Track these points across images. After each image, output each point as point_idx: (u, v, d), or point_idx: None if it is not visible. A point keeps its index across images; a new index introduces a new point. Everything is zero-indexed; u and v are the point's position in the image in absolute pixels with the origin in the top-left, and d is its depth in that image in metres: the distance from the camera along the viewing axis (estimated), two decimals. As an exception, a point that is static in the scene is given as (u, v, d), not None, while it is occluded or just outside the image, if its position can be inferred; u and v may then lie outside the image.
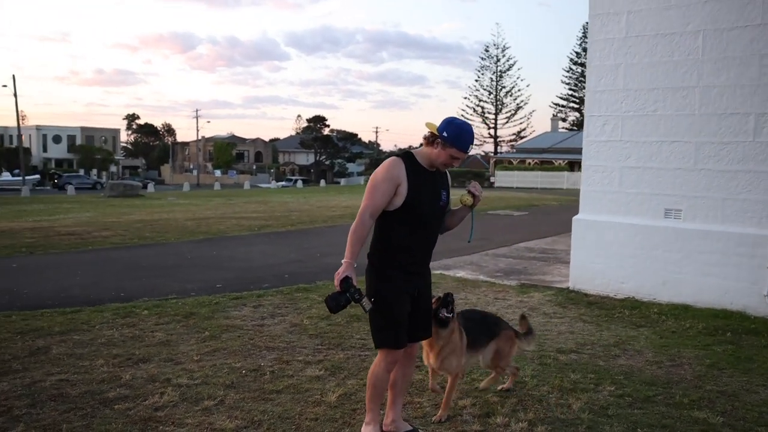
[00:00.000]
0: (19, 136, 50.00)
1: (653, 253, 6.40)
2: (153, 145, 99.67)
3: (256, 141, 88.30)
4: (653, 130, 6.38)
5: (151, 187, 46.60)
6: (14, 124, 57.80)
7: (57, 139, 68.27)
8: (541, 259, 9.38)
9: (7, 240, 11.64)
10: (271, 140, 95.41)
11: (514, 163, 50.76)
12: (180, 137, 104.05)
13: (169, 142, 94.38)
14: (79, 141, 68.83)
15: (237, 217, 17.41)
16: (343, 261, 2.90)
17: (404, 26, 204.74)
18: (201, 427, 3.34)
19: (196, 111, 68.00)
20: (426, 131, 3.05)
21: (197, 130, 69.86)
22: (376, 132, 79.35)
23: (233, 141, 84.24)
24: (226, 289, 7.19)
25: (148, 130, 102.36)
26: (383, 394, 3.20)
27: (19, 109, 48.39)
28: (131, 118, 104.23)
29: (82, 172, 60.49)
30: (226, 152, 79.43)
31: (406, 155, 3.04)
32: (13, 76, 49.51)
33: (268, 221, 15.99)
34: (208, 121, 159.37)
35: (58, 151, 68.00)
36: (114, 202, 28.69)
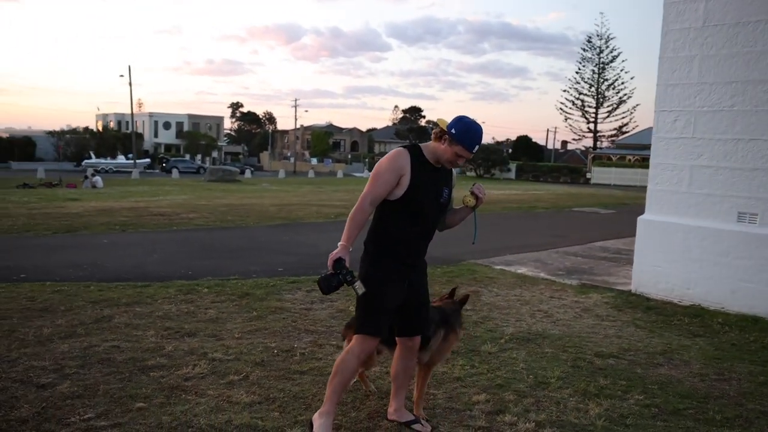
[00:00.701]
0: (133, 122, 53.90)
1: (723, 259, 6.00)
2: (255, 132, 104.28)
3: (353, 131, 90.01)
4: (729, 127, 5.96)
5: (248, 173, 48.85)
6: (128, 111, 62.63)
7: (167, 126, 73.03)
8: (612, 260, 9.00)
9: (106, 218, 12.69)
10: (368, 130, 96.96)
11: (614, 159, 48.54)
12: (280, 125, 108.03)
13: (270, 130, 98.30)
14: (186, 127, 73.23)
15: (319, 205, 17.94)
16: (339, 244, 2.94)
17: (507, 17, 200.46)
18: (219, 399, 3.56)
19: (295, 100, 70.35)
20: (439, 127, 3.07)
21: (295, 119, 72.19)
22: (472, 124, 77.91)
23: (330, 130, 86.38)
24: (286, 272, 7.49)
25: (250, 118, 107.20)
26: (346, 385, 3.17)
27: (137, 98, 52.23)
28: (235, 106, 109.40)
29: (187, 157, 64.27)
30: (323, 141, 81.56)
31: (413, 147, 3.07)
32: (129, 66, 53.54)
33: (347, 210, 16.31)
34: (306, 110, 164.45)
35: (167, 137, 72.72)
36: (211, 186, 30.36)
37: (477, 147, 3.02)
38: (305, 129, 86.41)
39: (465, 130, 2.97)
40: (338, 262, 2.91)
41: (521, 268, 8.17)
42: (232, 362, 4.21)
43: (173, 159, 57.44)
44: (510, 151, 68.12)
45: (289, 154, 78.27)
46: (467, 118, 3.02)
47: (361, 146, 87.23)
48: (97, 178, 28.69)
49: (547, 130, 74.52)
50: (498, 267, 8.23)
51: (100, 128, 70.89)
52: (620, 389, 3.94)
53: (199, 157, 67.09)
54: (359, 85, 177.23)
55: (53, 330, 4.84)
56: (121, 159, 55.43)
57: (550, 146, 79.37)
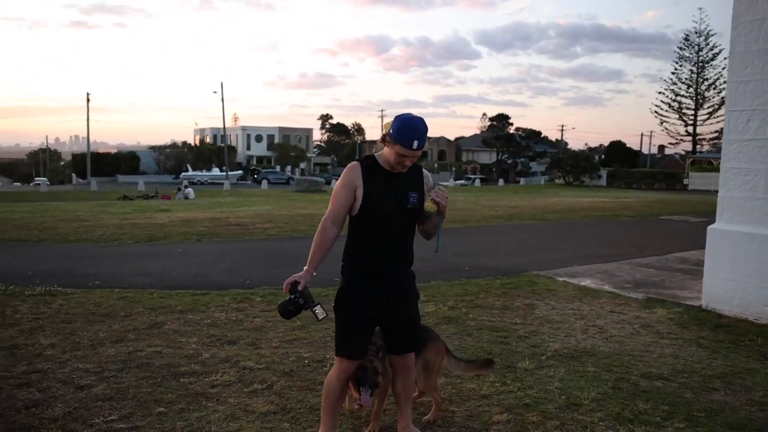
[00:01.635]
0: (226, 136, 56.69)
1: (804, 273, 5.43)
2: (343, 143, 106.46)
3: (440, 139, 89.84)
4: (810, 128, 5.41)
5: (334, 183, 49.91)
6: (228, 125, 65.93)
7: (259, 138, 76.14)
8: (689, 272, 8.39)
9: (186, 228, 13.37)
10: (456, 139, 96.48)
11: (714, 163, 45.43)
12: (369, 136, 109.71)
13: (358, 141, 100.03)
14: (277, 140, 75.99)
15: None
16: (303, 268, 2.90)
17: (601, 18, 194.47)
18: (237, 407, 3.63)
19: (381, 111, 71.01)
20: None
21: (382, 129, 72.93)
22: (562, 130, 75.99)
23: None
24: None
25: (339, 129, 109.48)
26: (335, 405, 3.10)
27: (233, 112, 54.96)
28: (325, 118, 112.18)
29: (278, 168, 66.64)
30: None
31: (366, 158, 2.98)
32: (221, 83, 56.41)
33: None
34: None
35: (259, 149, 75.79)
36: (296, 197, 31.26)
37: (417, 143, 2.80)
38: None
39: (399, 127, 2.81)
40: (293, 285, 2.87)
41: (585, 280, 7.79)
42: (261, 371, 4.28)
43: (264, 170, 59.74)
44: (602, 157, 65.47)
45: (375, 164, 79.26)
46: (405, 114, 2.87)
47: (448, 155, 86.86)
48: (189, 190, 30.31)
49: (641, 134, 70.60)
50: (561, 279, 7.90)
51: (197, 142, 74.97)
52: (660, 415, 3.64)
53: (288, 168, 69.39)
54: (448, 93, 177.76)
55: (107, 335, 5.13)
56: (215, 171, 58.36)
57: (645, 151, 75.60)
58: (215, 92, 55.44)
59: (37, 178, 56.61)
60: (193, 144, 73.56)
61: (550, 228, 14.91)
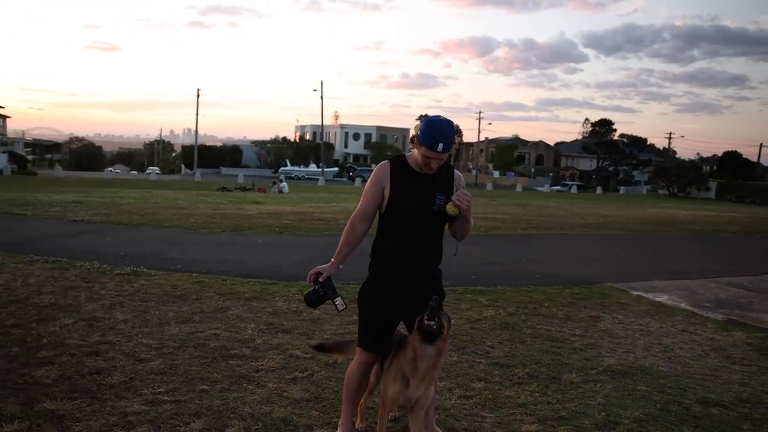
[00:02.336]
0: (323, 133, 58.35)
1: None
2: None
3: (538, 144, 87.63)
4: None
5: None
6: (328, 122, 67.81)
7: (356, 137, 77.67)
8: (784, 296, 7.73)
9: (272, 220, 13.93)
10: (556, 144, 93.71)
11: None
12: (467, 138, 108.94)
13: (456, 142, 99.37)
14: (374, 138, 77.17)
15: (479, 218, 17.80)
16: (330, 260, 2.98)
17: (723, 19, 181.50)
18: (274, 392, 3.79)
19: (479, 113, 70.20)
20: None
21: (479, 132, 72.47)
22: (669, 138, 71.61)
23: (515, 143, 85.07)
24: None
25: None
26: (353, 395, 3.14)
27: (334, 110, 56.63)
28: (422, 118, 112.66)
29: (373, 166, 67.65)
30: (508, 154, 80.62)
31: (396, 158, 3.00)
32: (321, 81, 57.71)
33: (504, 223, 16.03)
34: (490, 123, 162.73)
35: (356, 147, 77.29)
36: (386, 195, 31.68)
37: (442, 146, 2.79)
38: (490, 142, 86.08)
39: (426, 129, 2.81)
40: (316, 276, 2.97)
41: (662, 296, 7.38)
42: (306, 360, 4.43)
43: (360, 168, 60.83)
44: (714, 168, 61.22)
45: (471, 167, 78.56)
46: (433, 117, 2.86)
47: (546, 160, 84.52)
48: (284, 184, 31.47)
49: (760, 144, 64.87)
50: (635, 293, 7.54)
51: (297, 138, 77.56)
52: (705, 442, 3.43)
53: (383, 166, 70.24)
54: (552, 97, 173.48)
55: (176, 315, 5.50)
56: (312, 167, 60.13)
57: (765, 163, 69.77)
58: (315, 90, 56.71)
59: (150, 168, 60.86)
60: (293, 140, 76.20)
61: (638, 240, 14.20)
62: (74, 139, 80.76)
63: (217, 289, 6.63)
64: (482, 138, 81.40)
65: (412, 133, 2.98)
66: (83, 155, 67.04)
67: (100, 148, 78.28)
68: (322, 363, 4.38)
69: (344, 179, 57.91)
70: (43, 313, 5.30)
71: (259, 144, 70.06)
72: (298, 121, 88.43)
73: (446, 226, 3.08)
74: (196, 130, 58.74)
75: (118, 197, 20.26)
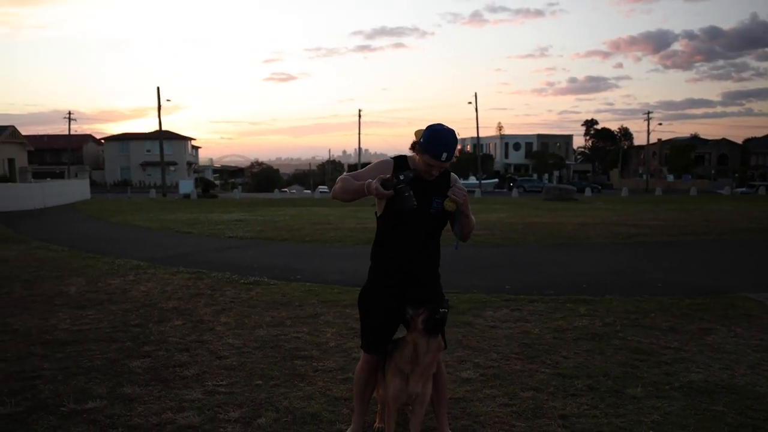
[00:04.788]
0: (479, 145, 58.29)
1: None
2: (609, 149, 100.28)
3: (720, 142, 79.16)
4: None
5: (588, 191, 47.62)
6: (489, 134, 67.66)
7: (516, 147, 76.28)
8: None
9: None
10: (745, 141, 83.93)
11: None
12: (638, 140, 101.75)
13: (625, 146, 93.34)
14: (535, 148, 75.18)
15: (629, 224, 16.67)
16: (365, 188, 2.87)
17: None
18: (319, 390, 4.02)
19: (648, 114, 64.88)
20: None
21: (648, 133, 67.22)
22: None
23: (693, 143, 77.78)
24: (512, 290, 7.47)
25: (604, 134, 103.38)
26: (361, 393, 3.24)
27: (498, 121, 56.44)
28: (589, 123, 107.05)
29: (535, 176, 65.90)
30: (683, 156, 74.02)
31: (399, 158, 3.05)
32: (475, 94, 57.24)
33: (653, 230, 14.84)
34: (660, 124, 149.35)
35: (517, 157, 75.89)
36: (541, 205, 30.78)
37: (446, 155, 2.83)
38: (663, 143, 79.65)
39: (429, 138, 2.84)
40: (386, 181, 2.82)
41: (800, 308, 6.43)
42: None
43: (520, 179, 59.73)
44: None
45: (641, 171, 73.20)
46: (437, 125, 2.88)
47: (731, 159, 75.98)
48: (437, 197, 31.94)
49: None
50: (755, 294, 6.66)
51: (458, 152, 78.10)
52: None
53: (546, 176, 68.16)
54: (742, 89, 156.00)
55: (271, 320, 6.00)
56: (471, 179, 60.17)
57: None
58: (470, 103, 56.74)
59: (319, 187, 65.07)
60: (453, 153, 76.97)
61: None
62: (255, 164, 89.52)
63: (321, 297, 7.07)
64: (654, 140, 75.50)
65: (414, 140, 3.06)
66: (262, 178, 73.78)
67: (277, 171, 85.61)
68: (379, 366, 4.54)
69: (505, 190, 57.10)
70: (163, 316, 6.11)
71: (419, 159, 71.68)
72: (458, 134, 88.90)
73: (449, 227, 3.14)
74: (359, 149, 61.80)
75: (277, 215, 22.13)
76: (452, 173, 3.13)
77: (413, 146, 3.02)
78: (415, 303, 3.00)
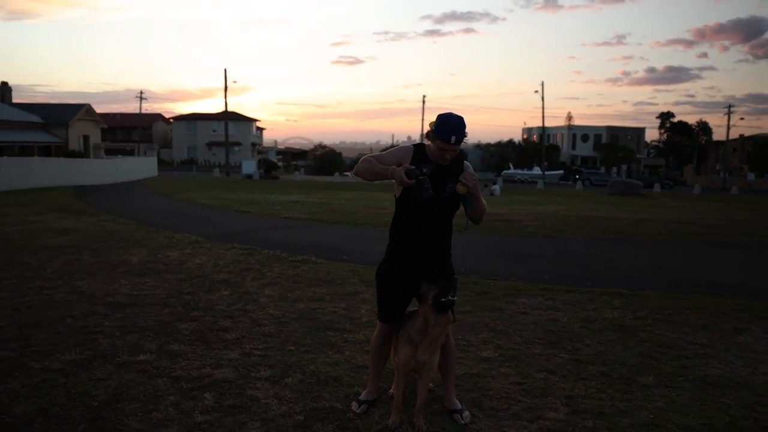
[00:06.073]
0: (544, 135, 57.33)
1: None
2: (685, 144, 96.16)
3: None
4: None
5: (657, 187, 46.14)
6: (560, 124, 66.47)
7: (584, 138, 74.39)
8: None
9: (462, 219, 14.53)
10: None
11: None
12: (718, 136, 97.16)
13: (703, 141, 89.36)
14: (604, 140, 73.11)
15: (690, 222, 16.29)
16: (389, 173, 3.20)
17: None
18: (344, 358, 4.42)
19: (728, 107, 61.87)
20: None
21: (728, 128, 64.13)
22: None
23: (781, 139, 73.57)
24: (551, 281, 7.62)
25: (680, 128, 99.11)
26: (376, 358, 3.60)
27: (568, 111, 55.32)
28: (665, 116, 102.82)
29: (602, 169, 64.22)
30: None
31: (418, 146, 3.38)
32: (542, 82, 56.15)
33: (717, 229, 14.47)
34: (742, 118, 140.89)
35: (584, 149, 74.05)
36: (603, 199, 30.20)
37: (455, 138, 3.15)
38: (746, 140, 75.77)
39: (439, 124, 3.18)
40: (409, 171, 3.13)
41: None
42: (392, 338, 4.98)
43: (587, 171, 58.33)
44: None
45: (718, 168, 70.03)
46: (446, 113, 3.22)
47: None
48: (496, 187, 31.93)
49: None
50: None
51: (524, 141, 76.93)
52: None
53: (615, 169, 66.35)
54: None
55: (313, 294, 6.45)
56: (536, 170, 59.32)
57: None
58: (536, 92, 55.77)
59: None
60: (517, 142, 75.87)
61: None
62: (318, 147, 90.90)
63: (363, 277, 7.47)
64: (736, 136, 71.99)
65: (427, 129, 3.40)
66: (325, 161, 74.91)
67: (340, 154, 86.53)
68: (405, 342, 4.90)
69: (570, 183, 55.99)
70: (213, 286, 6.66)
71: (483, 147, 71.16)
72: (525, 123, 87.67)
73: (461, 211, 3.46)
74: (422, 134, 61.81)
75: (334, 198, 22.74)
76: (465, 161, 3.44)
77: (427, 135, 3.35)
78: (429, 279, 3.33)
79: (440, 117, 3.26)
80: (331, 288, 6.82)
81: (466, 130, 3.25)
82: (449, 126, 3.20)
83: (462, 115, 3.29)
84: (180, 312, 5.57)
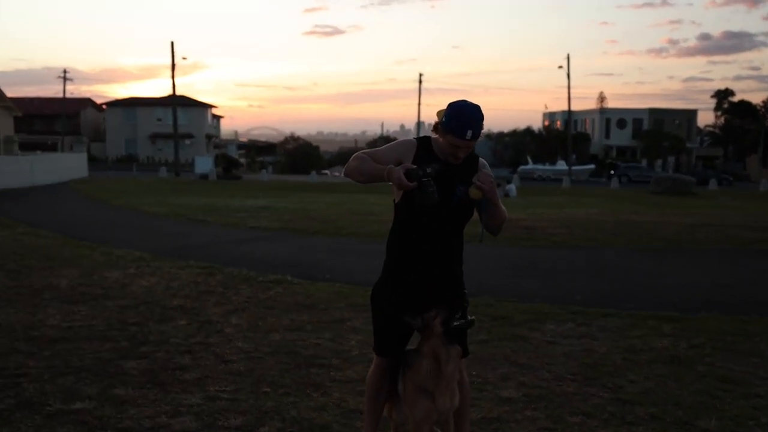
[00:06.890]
0: (570, 121, 57.68)
1: None
2: (748, 129, 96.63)
3: None
4: None
5: (713, 184, 46.54)
6: (581, 108, 66.94)
7: (621, 124, 74.84)
8: None
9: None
10: None
11: None
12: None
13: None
14: (645, 125, 73.65)
15: (757, 227, 16.50)
16: (386, 173, 3.19)
17: None
18: (332, 401, 4.47)
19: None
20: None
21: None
22: None
23: None
24: (579, 302, 7.72)
25: (742, 109, 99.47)
26: (373, 400, 3.61)
27: (600, 91, 55.54)
28: (722, 95, 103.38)
29: (644, 162, 64.68)
30: None
31: (423, 139, 3.38)
32: (568, 55, 56.11)
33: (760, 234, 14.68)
34: None
35: (622, 138, 74.52)
36: (645, 200, 30.46)
37: (471, 132, 3.13)
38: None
39: (451, 115, 3.15)
40: (410, 171, 3.13)
41: None
42: (392, 376, 5.04)
43: (624, 165, 58.58)
44: None
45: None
46: (459, 102, 3.19)
47: None
48: (511, 186, 32.07)
49: None
50: None
51: (545, 129, 77.34)
52: None
53: (659, 163, 66.86)
54: None
55: (290, 323, 6.51)
56: (560, 165, 59.52)
57: None
58: (560, 67, 55.70)
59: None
60: (537, 131, 76.24)
61: None
62: (290, 139, 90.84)
63: (350, 300, 7.53)
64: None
65: (435, 120, 3.41)
66: (298, 156, 75.05)
67: (317, 148, 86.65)
68: (407, 380, 4.95)
69: (603, 179, 56.31)
70: (165, 314, 6.71)
71: (494, 137, 71.52)
72: (546, 107, 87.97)
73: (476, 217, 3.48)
74: (419, 123, 62.25)
75: (311, 203, 22.82)
76: (481, 158, 3.46)
77: (435, 127, 3.36)
78: (433, 304, 3.34)
79: (452, 106, 3.25)
80: (313, 314, 6.87)
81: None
82: (464, 117, 3.19)
83: (478, 104, 3.28)
84: (125, 347, 5.59)
